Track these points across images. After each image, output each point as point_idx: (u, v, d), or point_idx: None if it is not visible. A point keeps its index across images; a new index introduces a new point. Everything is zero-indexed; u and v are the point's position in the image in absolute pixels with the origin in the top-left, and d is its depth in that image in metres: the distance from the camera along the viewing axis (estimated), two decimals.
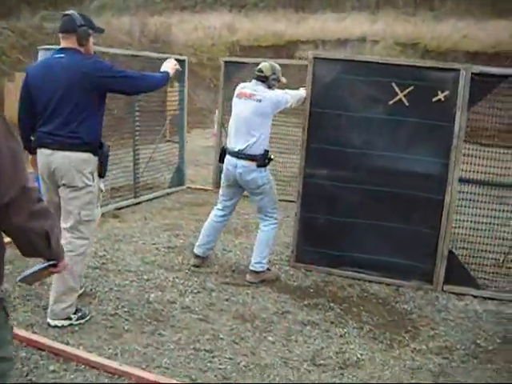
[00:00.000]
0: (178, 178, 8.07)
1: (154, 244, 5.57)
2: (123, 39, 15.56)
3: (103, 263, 4.94)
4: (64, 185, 3.68)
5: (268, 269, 4.93)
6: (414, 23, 20.07)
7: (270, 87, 4.78)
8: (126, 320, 3.95)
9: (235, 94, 4.87)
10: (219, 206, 5.06)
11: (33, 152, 3.86)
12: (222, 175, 4.95)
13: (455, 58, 17.78)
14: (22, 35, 13.95)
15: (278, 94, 4.77)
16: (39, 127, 3.72)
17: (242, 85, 4.92)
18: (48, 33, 14.89)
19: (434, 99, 4.70)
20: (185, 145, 8.17)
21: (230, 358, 3.55)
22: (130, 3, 23.71)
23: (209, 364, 3.47)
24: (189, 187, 8.21)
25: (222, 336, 3.83)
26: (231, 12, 21.68)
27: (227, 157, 4.81)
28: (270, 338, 3.87)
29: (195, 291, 4.52)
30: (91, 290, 4.38)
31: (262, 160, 4.66)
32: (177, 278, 4.74)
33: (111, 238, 5.64)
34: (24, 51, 13.17)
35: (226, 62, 7.78)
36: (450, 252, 4.89)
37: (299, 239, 5.13)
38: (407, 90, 4.72)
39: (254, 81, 4.81)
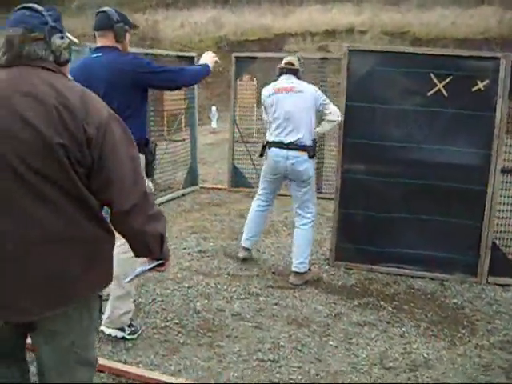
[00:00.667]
0: (192, 178, 7.89)
1: (184, 249, 5.39)
2: None
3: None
4: None
5: (309, 268, 4.79)
6: (400, 12, 20.01)
7: (299, 79, 4.79)
8: (179, 332, 3.78)
9: (272, 92, 4.74)
10: (262, 198, 5.03)
11: None
12: (267, 168, 4.85)
13: (445, 45, 17.78)
14: None
15: (317, 90, 4.77)
16: None
17: (273, 83, 4.81)
18: None
19: (473, 89, 4.59)
20: (197, 143, 7.98)
21: (299, 367, 3.41)
22: (110, 2, 23.27)
23: (278, 375, 3.32)
24: (202, 187, 8.03)
25: (282, 343, 3.68)
26: (215, 8, 21.44)
27: (274, 150, 4.69)
28: (331, 343, 3.73)
29: (241, 297, 4.37)
30: (134, 301, 4.18)
31: (313, 150, 4.66)
32: (218, 283, 4.58)
33: None
34: None
35: (236, 58, 7.58)
36: (493, 243, 4.80)
37: (338, 237, 5.00)
38: (446, 81, 4.60)
39: (285, 75, 4.76)
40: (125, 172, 1.86)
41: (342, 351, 3.64)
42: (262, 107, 5.02)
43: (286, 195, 7.65)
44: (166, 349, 3.57)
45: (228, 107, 8.63)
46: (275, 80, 4.86)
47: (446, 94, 4.63)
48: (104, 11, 3.53)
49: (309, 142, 4.62)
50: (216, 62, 3.98)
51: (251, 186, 7.92)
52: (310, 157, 4.64)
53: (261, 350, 3.59)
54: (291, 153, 4.60)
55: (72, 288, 1.89)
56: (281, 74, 4.82)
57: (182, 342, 3.66)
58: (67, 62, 1.95)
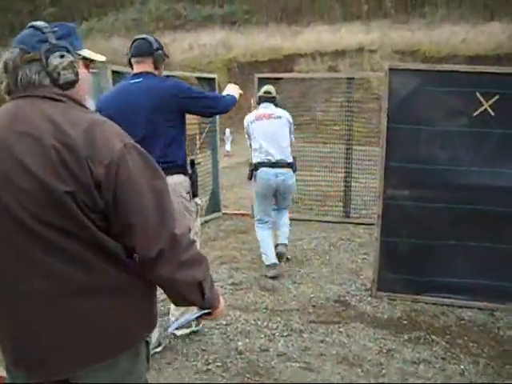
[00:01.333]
0: (214, 204, 7.63)
1: (216, 282, 5.10)
2: (122, 61, 15.05)
3: (169, 308, 4.48)
4: None
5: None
6: (409, 30, 19.89)
7: (276, 105, 5.50)
8: (223, 377, 3.49)
9: (253, 119, 5.37)
10: (264, 219, 5.46)
11: None
12: (260, 189, 5.31)
13: (456, 62, 17.60)
14: None
15: (290, 117, 5.50)
16: None
17: (255, 111, 5.45)
18: None
19: None
20: (219, 167, 7.75)
21: None
22: (118, 25, 23.29)
23: None
24: (225, 213, 7.78)
25: None
26: (224, 29, 21.35)
27: (263, 170, 5.21)
28: None
29: (284, 334, 4.09)
30: (170, 342, 3.93)
31: (295, 166, 5.37)
32: (258, 320, 4.31)
33: None
34: None
35: (259, 79, 7.36)
36: None
37: (381, 266, 4.72)
38: (493, 100, 4.37)
39: (265, 103, 5.46)
40: (148, 211, 1.58)
41: None
42: (246, 134, 5.53)
43: (311, 220, 7.46)
44: None
45: (239, 130, 8.44)
46: (256, 108, 5.55)
47: (492, 113, 4.39)
48: (144, 38, 3.57)
49: (290, 159, 5.29)
50: (240, 94, 4.03)
51: None
52: (294, 171, 5.35)
53: None
54: (280, 170, 5.20)
55: (109, 341, 1.67)
56: (260, 101, 5.49)
57: None
58: (73, 83, 1.66)
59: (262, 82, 7.33)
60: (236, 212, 7.84)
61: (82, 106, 1.69)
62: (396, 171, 4.57)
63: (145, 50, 3.52)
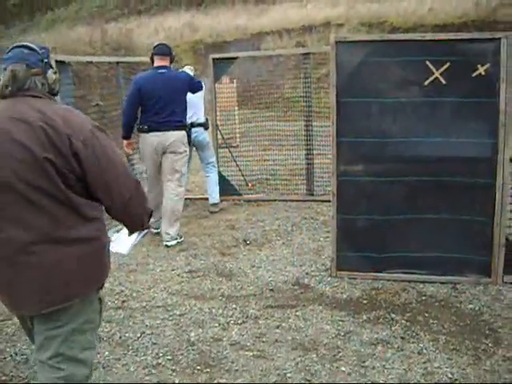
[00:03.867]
0: None
1: (173, 270, 4.97)
2: (84, 50, 14.69)
3: (124, 301, 4.34)
4: (172, 152, 5.55)
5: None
6: (376, 2, 19.64)
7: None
8: (173, 371, 3.36)
9: None
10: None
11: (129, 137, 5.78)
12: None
13: (423, 32, 17.43)
14: None
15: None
16: (150, 117, 5.49)
17: None
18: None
19: (473, 74, 4.21)
20: None
21: None
22: (82, 13, 22.73)
23: None
24: (188, 198, 7.56)
25: (289, 374, 3.28)
26: (189, 11, 20.92)
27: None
28: (343, 369, 3.33)
29: (239, 322, 3.95)
30: (120, 337, 3.78)
31: (206, 125, 6.82)
32: (213, 308, 4.16)
33: (123, 268, 5.02)
34: None
35: (214, 60, 7.15)
36: (506, 239, 4.43)
37: (339, 245, 4.59)
38: (443, 68, 4.22)
39: None
40: (118, 170, 2.24)
41: (356, 378, 3.24)
42: None
43: (275, 200, 7.31)
44: None
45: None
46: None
47: (444, 81, 4.25)
48: (165, 44, 5.73)
49: (201, 120, 6.72)
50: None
51: (239, 193, 7.51)
52: (205, 129, 6.82)
53: None
54: (194, 129, 6.47)
55: (71, 287, 2.19)
56: None
57: (177, 382, 3.24)
58: (57, 93, 2.35)
59: (218, 62, 7.14)
60: (199, 197, 7.64)
61: (53, 100, 2.33)
62: (348, 147, 4.43)
63: (167, 51, 5.61)
